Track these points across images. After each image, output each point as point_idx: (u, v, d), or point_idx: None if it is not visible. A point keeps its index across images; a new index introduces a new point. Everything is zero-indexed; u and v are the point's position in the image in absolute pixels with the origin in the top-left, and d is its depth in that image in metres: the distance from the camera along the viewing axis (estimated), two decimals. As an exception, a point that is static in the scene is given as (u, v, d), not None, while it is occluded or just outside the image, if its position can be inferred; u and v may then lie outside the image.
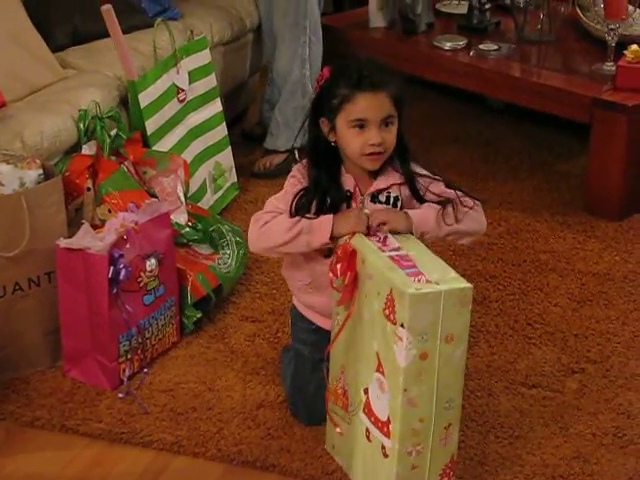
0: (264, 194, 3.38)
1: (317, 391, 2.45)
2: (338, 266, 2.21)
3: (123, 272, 2.57)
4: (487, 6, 4.10)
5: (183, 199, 3.07)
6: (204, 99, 3.54)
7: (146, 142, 3.20)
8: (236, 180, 3.72)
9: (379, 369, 2.15)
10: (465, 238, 2.41)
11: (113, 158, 3.00)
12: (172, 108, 3.35)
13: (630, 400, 2.63)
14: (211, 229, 3.08)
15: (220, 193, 3.60)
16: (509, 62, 3.84)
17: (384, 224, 2.25)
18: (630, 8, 3.63)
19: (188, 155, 3.38)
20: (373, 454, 2.22)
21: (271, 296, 3.07)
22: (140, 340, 2.70)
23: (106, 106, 3.09)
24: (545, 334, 2.90)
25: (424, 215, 2.31)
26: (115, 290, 2.58)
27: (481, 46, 3.91)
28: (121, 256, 2.58)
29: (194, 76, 3.47)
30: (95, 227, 2.72)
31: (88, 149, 2.97)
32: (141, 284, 2.68)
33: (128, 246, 2.62)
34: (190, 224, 3.04)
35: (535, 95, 3.63)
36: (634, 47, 3.49)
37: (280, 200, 2.40)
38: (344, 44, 4.07)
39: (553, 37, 3.99)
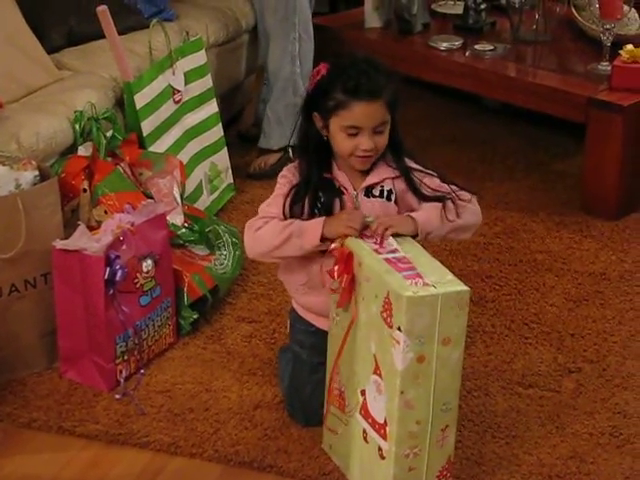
0: (260, 195, 3.38)
1: (314, 392, 2.45)
2: (335, 268, 2.21)
3: (119, 273, 2.57)
4: (483, 6, 4.10)
5: (179, 200, 3.07)
6: (200, 100, 3.54)
7: (142, 143, 3.20)
8: (232, 181, 3.72)
9: (376, 371, 2.15)
10: (465, 233, 2.41)
11: (109, 159, 3.00)
12: (168, 109, 3.35)
13: (626, 399, 2.63)
14: (207, 230, 3.08)
15: (216, 194, 3.60)
16: (505, 62, 3.85)
17: (388, 229, 2.23)
18: (625, 8, 3.63)
19: (184, 156, 3.38)
20: (370, 455, 2.22)
21: (267, 297, 3.07)
22: (137, 341, 2.70)
23: (102, 107, 3.09)
24: (541, 334, 2.90)
25: (427, 215, 2.31)
26: (111, 291, 2.58)
27: (477, 46, 3.92)
28: (117, 257, 2.58)
29: (190, 77, 3.47)
30: (91, 228, 2.72)
31: (84, 150, 2.97)
32: (137, 285, 2.68)
33: (124, 247, 2.62)
34: (186, 225, 3.04)
35: (531, 95, 3.63)
36: (629, 47, 3.50)
37: (271, 204, 2.40)
38: (340, 44, 4.07)
39: (548, 37, 3.99)
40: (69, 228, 2.70)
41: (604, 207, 3.52)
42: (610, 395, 2.65)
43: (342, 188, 2.38)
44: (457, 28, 4.13)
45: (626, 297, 3.08)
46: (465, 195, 2.38)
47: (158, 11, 3.70)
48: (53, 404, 2.60)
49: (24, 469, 2.42)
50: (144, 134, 3.21)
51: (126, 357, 2.68)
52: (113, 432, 2.51)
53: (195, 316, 2.89)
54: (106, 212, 2.87)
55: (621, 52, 3.50)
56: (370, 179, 2.38)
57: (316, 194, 2.36)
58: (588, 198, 3.57)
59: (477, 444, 2.46)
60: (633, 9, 3.76)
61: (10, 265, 2.60)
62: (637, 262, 3.27)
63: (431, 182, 2.40)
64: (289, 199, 2.36)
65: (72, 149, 3.01)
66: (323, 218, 2.30)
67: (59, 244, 2.59)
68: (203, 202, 3.47)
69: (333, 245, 2.24)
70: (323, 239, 2.27)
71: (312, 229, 2.28)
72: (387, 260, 2.13)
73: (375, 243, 2.21)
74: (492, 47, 3.90)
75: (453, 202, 2.34)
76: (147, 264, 2.69)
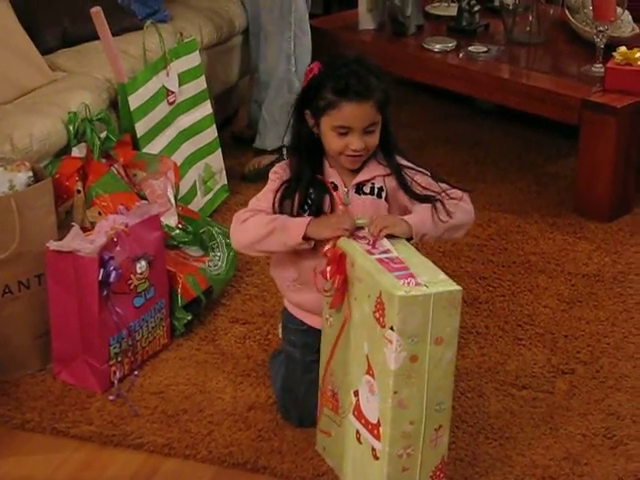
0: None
1: (308, 392, 2.45)
2: (328, 269, 2.21)
3: (113, 274, 2.57)
4: (476, 8, 4.11)
5: (173, 201, 3.07)
6: (194, 101, 3.54)
7: (136, 144, 3.20)
8: (226, 182, 3.72)
9: (369, 371, 2.15)
10: (459, 232, 2.40)
11: (103, 160, 3.00)
12: (162, 110, 3.35)
13: (620, 401, 2.63)
14: (201, 231, 3.08)
15: (210, 195, 3.60)
16: (498, 64, 3.86)
17: (383, 230, 2.23)
18: (619, 10, 3.63)
19: (178, 157, 3.38)
20: (363, 456, 2.22)
21: (261, 298, 3.07)
22: (130, 342, 2.69)
23: (96, 108, 3.08)
24: (535, 335, 2.91)
25: (421, 217, 2.31)
26: (105, 292, 2.58)
27: (470, 48, 3.92)
28: (111, 258, 2.58)
29: (184, 78, 3.47)
30: (85, 229, 2.73)
31: (78, 151, 2.97)
32: (131, 286, 2.68)
33: (118, 248, 2.62)
34: (180, 226, 3.04)
35: (524, 97, 3.63)
36: (622, 49, 3.51)
37: (261, 199, 2.40)
38: (333, 46, 4.07)
39: (542, 39, 4.00)
40: (63, 229, 2.70)
41: (597, 209, 3.53)
42: (603, 396, 2.65)
43: (333, 185, 2.38)
44: (451, 30, 4.14)
45: (619, 299, 3.09)
46: (456, 193, 2.38)
47: (152, 12, 3.70)
48: (47, 405, 2.60)
49: (18, 470, 2.42)
50: (138, 135, 3.21)
51: (120, 358, 2.68)
52: (107, 433, 2.50)
53: (189, 317, 2.89)
54: (100, 213, 2.87)
55: (614, 54, 3.51)
56: (361, 176, 2.38)
57: (306, 191, 2.36)
58: (581, 200, 3.58)
59: (471, 445, 2.47)
60: (626, 11, 3.76)
61: (4, 266, 2.59)
62: (630, 264, 3.28)
63: (422, 180, 2.40)
64: (279, 194, 2.36)
65: (66, 150, 3.01)
66: (308, 218, 2.30)
67: (53, 245, 2.59)
68: (197, 203, 3.48)
69: (326, 247, 2.24)
70: (306, 238, 2.27)
71: (296, 227, 2.29)
72: (380, 260, 2.13)
73: (368, 244, 2.21)
74: (486, 49, 3.91)
75: (442, 202, 2.34)
76: (141, 265, 2.69)
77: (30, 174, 2.68)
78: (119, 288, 2.62)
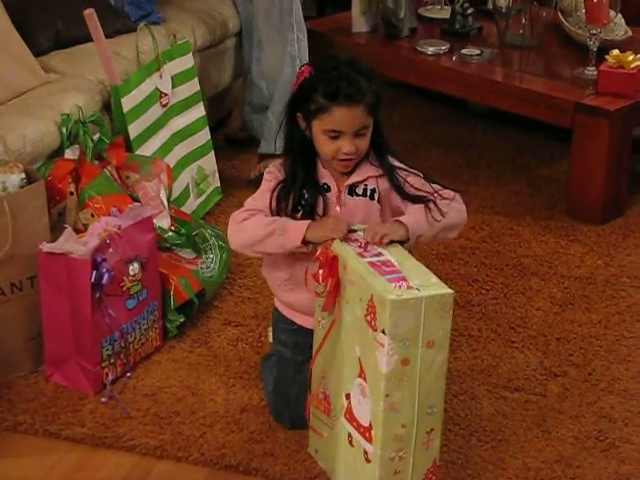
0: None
1: (300, 393, 2.45)
2: (320, 272, 2.21)
3: (106, 276, 2.57)
4: (469, 11, 4.11)
5: (166, 203, 3.07)
6: (187, 103, 3.54)
7: (129, 146, 3.20)
8: (219, 184, 3.72)
9: (361, 375, 2.15)
10: (452, 232, 2.40)
11: (96, 162, 3.00)
12: (155, 112, 3.35)
13: (612, 404, 2.64)
14: (194, 233, 3.08)
15: (203, 197, 3.60)
16: (491, 67, 3.86)
17: (384, 237, 2.22)
18: (611, 13, 3.64)
19: (171, 159, 3.38)
20: (355, 459, 2.22)
21: (254, 300, 3.07)
22: (123, 344, 2.69)
23: (89, 110, 3.08)
24: (527, 338, 2.91)
25: (415, 218, 2.31)
26: (98, 294, 2.58)
27: (463, 51, 3.92)
28: (104, 260, 2.58)
29: (177, 80, 3.47)
30: (78, 231, 2.72)
31: (71, 153, 2.97)
32: (124, 288, 2.68)
33: (111, 250, 2.62)
34: (173, 228, 3.04)
35: (517, 100, 3.64)
36: (615, 52, 3.51)
37: (257, 199, 2.41)
38: (327, 48, 4.07)
39: (535, 42, 4.00)
40: (56, 231, 2.70)
41: (590, 212, 3.54)
42: (596, 399, 2.66)
43: (326, 186, 2.38)
44: (444, 33, 4.15)
45: (612, 301, 3.09)
46: (448, 193, 2.38)
47: (145, 14, 3.70)
48: (39, 407, 2.60)
49: (10, 472, 2.42)
50: (131, 137, 3.21)
51: (112, 360, 2.68)
52: (99, 435, 2.50)
53: (181, 319, 2.89)
54: (93, 215, 2.86)
55: (607, 57, 3.51)
56: (354, 177, 2.38)
57: (300, 192, 2.36)
58: (574, 202, 3.59)
59: (463, 447, 2.47)
60: (619, 14, 3.77)
61: (-4, 268, 2.60)
62: (623, 266, 3.28)
63: (415, 181, 2.40)
64: (275, 194, 2.37)
65: (59, 152, 3.01)
66: (308, 221, 2.30)
67: (45, 247, 2.59)
68: (190, 205, 3.48)
69: (319, 251, 2.24)
70: (305, 241, 2.28)
71: (295, 230, 2.29)
72: (371, 263, 2.13)
73: (360, 247, 2.21)
74: (479, 52, 3.91)
75: (435, 203, 2.34)
76: (134, 267, 2.69)
77: (23, 176, 2.68)
78: (112, 290, 2.62)
